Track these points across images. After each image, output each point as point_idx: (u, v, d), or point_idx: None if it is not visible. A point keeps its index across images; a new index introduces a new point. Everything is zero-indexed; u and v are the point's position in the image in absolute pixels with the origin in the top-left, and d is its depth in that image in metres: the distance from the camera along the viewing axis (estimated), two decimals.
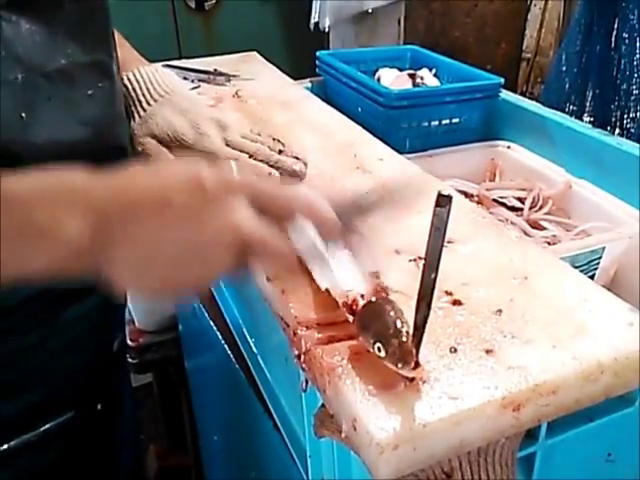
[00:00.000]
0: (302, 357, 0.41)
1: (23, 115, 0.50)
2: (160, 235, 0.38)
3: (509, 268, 0.48)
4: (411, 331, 0.37)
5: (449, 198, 0.35)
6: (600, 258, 0.76)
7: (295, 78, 1.12)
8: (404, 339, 0.36)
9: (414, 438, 0.34)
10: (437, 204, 0.35)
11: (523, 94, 1.74)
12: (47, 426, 0.62)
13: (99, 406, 0.69)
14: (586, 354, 0.39)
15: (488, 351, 0.39)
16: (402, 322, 0.37)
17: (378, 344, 0.36)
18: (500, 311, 0.43)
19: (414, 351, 0.36)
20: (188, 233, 0.38)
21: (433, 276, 0.38)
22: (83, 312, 0.62)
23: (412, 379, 0.37)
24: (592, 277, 0.79)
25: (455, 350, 0.40)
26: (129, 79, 0.65)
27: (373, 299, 0.40)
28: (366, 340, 0.38)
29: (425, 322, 0.38)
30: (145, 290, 0.42)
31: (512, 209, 0.88)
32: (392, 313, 0.37)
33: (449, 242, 0.52)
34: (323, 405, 0.41)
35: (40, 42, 0.51)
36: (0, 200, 0.34)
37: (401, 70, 1.13)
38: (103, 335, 0.69)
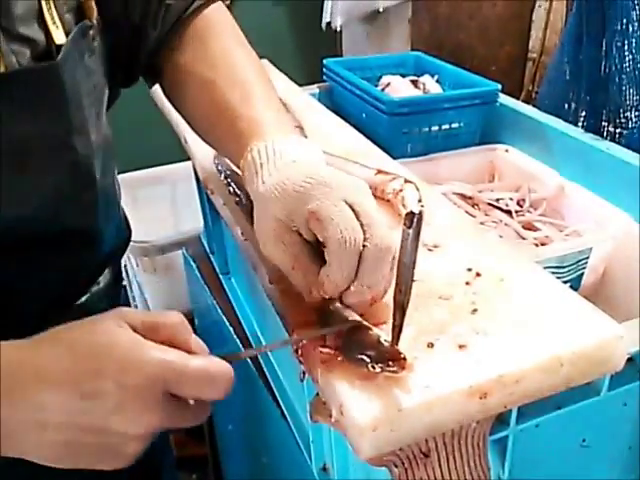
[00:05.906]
0: (299, 351, 0.47)
1: None
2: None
3: (488, 270, 0.53)
4: (389, 338, 0.42)
5: (419, 215, 0.39)
6: (588, 258, 0.81)
7: (306, 81, 1.17)
8: (387, 345, 0.41)
9: (391, 421, 0.39)
10: (405, 224, 0.38)
11: (529, 93, 1.77)
12: None
13: None
14: (547, 348, 0.43)
15: (461, 346, 0.44)
16: (380, 335, 0.42)
17: (363, 356, 0.41)
18: (476, 310, 0.48)
19: (400, 350, 0.40)
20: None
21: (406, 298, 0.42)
22: None
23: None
24: (582, 275, 0.83)
25: (432, 345, 0.45)
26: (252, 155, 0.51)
27: (349, 326, 0.44)
28: (354, 359, 0.42)
29: (402, 320, 0.43)
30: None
31: (508, 212, 0.93)
32: (370, 330, 0.42)
33: (434, 246, 0.57)
34: (317, 394, 0.47)
35: None
36: None
37: (404, 76, 1.17)
38: None
